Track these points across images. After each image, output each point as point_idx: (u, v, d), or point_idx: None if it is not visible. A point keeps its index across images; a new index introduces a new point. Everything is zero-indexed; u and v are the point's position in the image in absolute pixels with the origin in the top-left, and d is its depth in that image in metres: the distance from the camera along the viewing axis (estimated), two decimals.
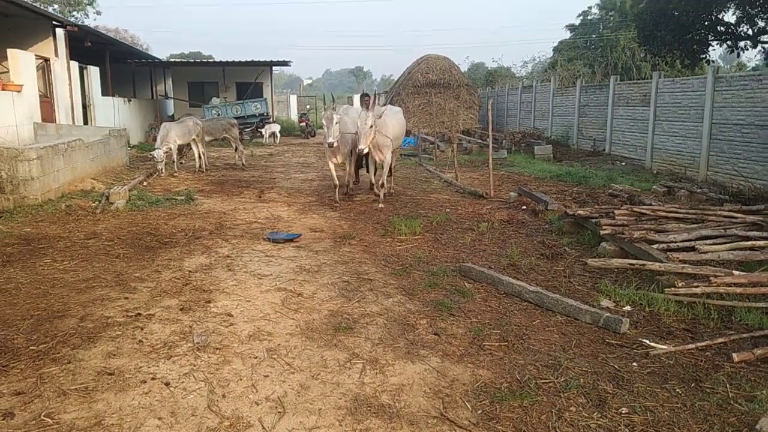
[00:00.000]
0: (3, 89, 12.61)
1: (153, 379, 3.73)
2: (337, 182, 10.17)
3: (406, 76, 29.73)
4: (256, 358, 4.11)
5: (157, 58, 28.77)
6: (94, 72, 19.18)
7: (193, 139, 13.81)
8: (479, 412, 3.43)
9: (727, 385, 3.71)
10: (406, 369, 3.98)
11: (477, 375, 3.90)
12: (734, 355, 4.10)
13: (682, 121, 13.78)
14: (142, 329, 4.52)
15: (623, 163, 15.83)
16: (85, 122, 18.25)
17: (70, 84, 16.86)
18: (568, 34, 39.71)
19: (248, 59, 27.86)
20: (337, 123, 9.33)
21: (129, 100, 22.97)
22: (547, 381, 3.79)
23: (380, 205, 9.76)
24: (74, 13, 38.75)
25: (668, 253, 5.95)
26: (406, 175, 14.03)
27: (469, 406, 3.50)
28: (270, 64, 28.15)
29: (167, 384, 3.68)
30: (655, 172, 14.20)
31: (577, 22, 39.04)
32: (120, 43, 23.08)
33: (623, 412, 3.43)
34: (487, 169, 11.63)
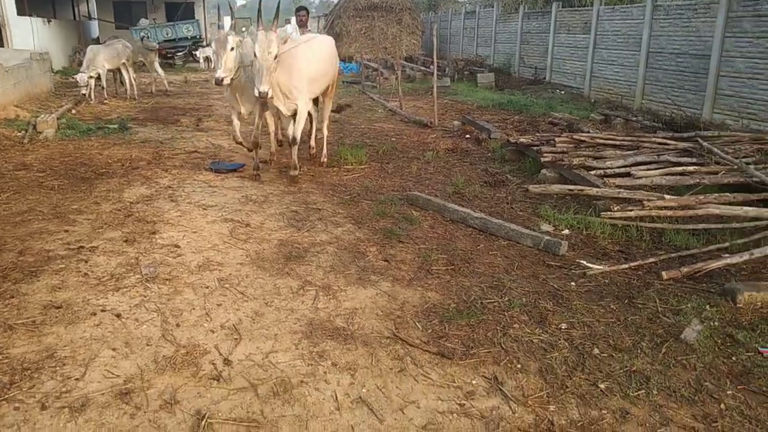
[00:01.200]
0: None
1: (103, 311, 3.69)
2: (240, 140, 7.09)
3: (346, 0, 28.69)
4: (207, 287, 4.10)
5: None
6: None
7: (123, 64, 13.04)
8: (429, 331, 3.59)
9: (657, 301, 4.01)
10: (358, 294, 4.08)
11: (426, 297, 4.05)
12: (663, 273, 4.38)
13: (620, 50, 14.03)
14: (86, 262, 4.41)
15: (563, 92, 16.09)
16: (0, 44, 16.88)
17: None
18: None
19: None
20: (234, 49, 6.06)
21: (49, 21, 21.28)
22: (492, 301, 3.98)
23: (291, 173, 6.80)
24: None
25: (605, 178, 6.21)
26: (349, 102, 13.83)
27: (419, 326, 3.65)
28: None
29: (118, 315, 3.64)
30: (593, 100, 14.52)
31: None
32: None
33: (563, 327, 3.67)
34: (431, 97, 11.62)
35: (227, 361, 3.21)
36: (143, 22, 24.85)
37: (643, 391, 3.03)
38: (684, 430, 2.74)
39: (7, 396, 2.83)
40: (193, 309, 3.79)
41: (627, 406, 2.91)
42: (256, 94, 5.91)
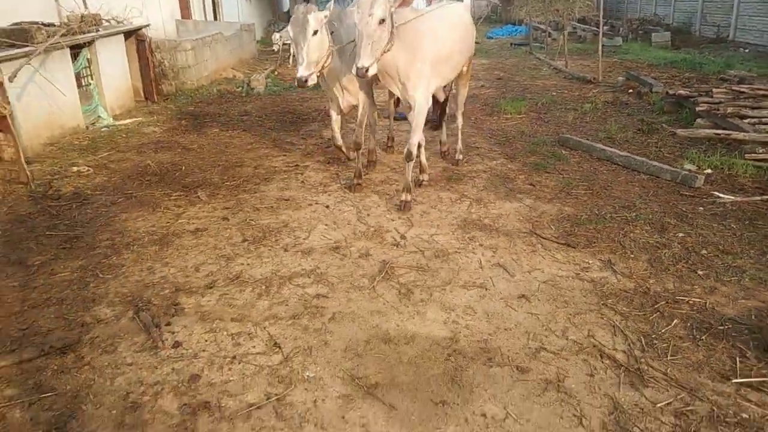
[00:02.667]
0: None
1: (316, 203, 5.10)
2: (340, 143, 5.70)
3: None
4: (387, 195, 5.35)
5: None
6: None
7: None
8: (560, 230, 4.48)
9: None
10: (504, 205, 5.05)
11: (562, 210, 4.90)
12: None
13: None
14: (301, 174, 5.90)
15: (747, 50, 15.09)
16: (214, 19, 19.84)
17: None
18: None
19: None
20: (318, 32, 4.49)
21: None
22: (621, 215, 4.72)
23: (403, 197, 4.99)
24: None
25: (757, 125, 6.41)
26: (514, 63, 14.43)
27: (552, 227, 4.55)
28: None
29: (327, 206, 5.03)
30: None
31: None
32: None
33: (679, 236, 4.33)
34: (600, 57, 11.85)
35: (403, 237, 4.42)
36: None
37: (735, 278, 3.67)
38: (764, 303, 3.38)
39: (262, 243, 4.30)
40: (378, 206, 5.05)
41: (717, 285, 3.60)
42: (354, 72, 4.23)
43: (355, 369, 2.90)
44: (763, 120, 6.61)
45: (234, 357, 3.02)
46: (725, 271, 3.77)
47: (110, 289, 3.73)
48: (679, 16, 20.07)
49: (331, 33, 4.78)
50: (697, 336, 3.08)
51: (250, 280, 3.80)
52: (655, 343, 3.03)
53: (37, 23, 7.12)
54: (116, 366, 2.97)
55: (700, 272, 3.76)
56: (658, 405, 2.59)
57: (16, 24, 7.08)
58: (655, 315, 3.29)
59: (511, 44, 18.72)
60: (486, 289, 3.65)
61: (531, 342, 3.09)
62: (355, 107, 5.41)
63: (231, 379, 2.86)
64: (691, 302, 3.41)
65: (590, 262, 3.96)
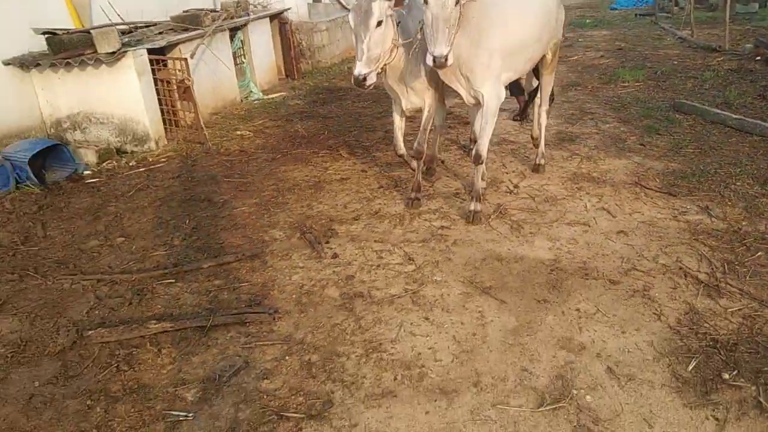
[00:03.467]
0: None
1: (440, 159, 5.86)
2: (403, 151, 4.91)
3: None
4: (503, 151, 5.99)
5: None
6: None
7: None
8: (664, 182, 4.91)
9: None
10: (613, 162, 5.52)
11: (669, 166, 5.29)
12: None
13: None
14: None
15: None
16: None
17: None
18: None
19: None
20: (383, 23, 3.75)
21: None
22: (725, 170, 5.04)
23: (472, 206, 4.47)
24: None
25: None
26: (637, 33, 14.22)
27: (657, 180, 4.98)
28: None
29: (443, 161, 5.78)
30: None
31: None
32: None
33: None
34: (731, 25, 11.51)
35: (516, 186, 5.07)
36: None
37: None
38: None
39: (395, 189, 5.14)
40: (494, 162, 5.71)
41: None
42: (429, 62, 3.61)
43: (473, 276, 3.66)
44: None
45: (378, 265, 3.88)
46: None
47: (280, 219, 4.75)
48: None
49: (398, 24, 3.97)
50: None
51: (387, 215, 4.66)
52: (737, 268, 3.49)
53: (203, 10, 8.43)
54: (292, 268, 3.95)
55: None
56: (730, 310, 3.10)
57: (187, 11, 8.44)
58: (741, 248, 3.73)
59: (636, 15, 18.21)
60: (589, 226, 4.24)
61: (624, 264, 3.67)
62: (420, 110, 4.60)
63: (377, 279, 3.72)
64: None
65: (688, 207, 4.40)
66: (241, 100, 9.09)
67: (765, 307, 3.10)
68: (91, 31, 6.30)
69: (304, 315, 3.39)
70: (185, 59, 6.74)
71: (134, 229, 4.78)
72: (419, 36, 3.90)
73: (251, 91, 9.47)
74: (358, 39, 3.74)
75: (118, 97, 6.59)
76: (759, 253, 3.64)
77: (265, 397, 2.75)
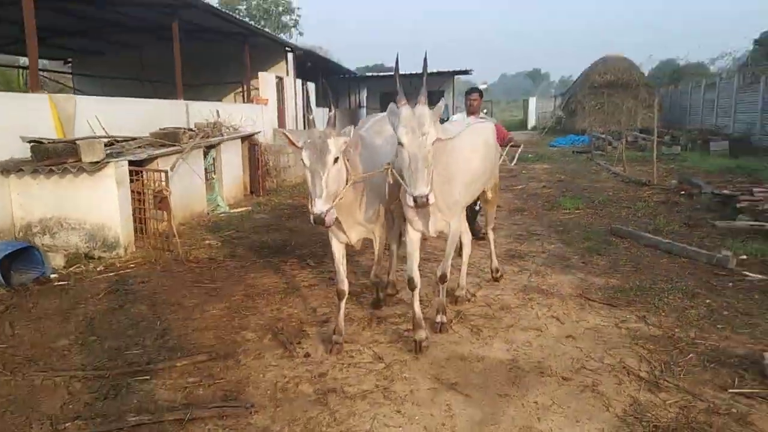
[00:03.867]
0: (257, 103, 16.63)
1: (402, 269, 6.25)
2: (344, 287, 4.55)
3: (584, 78, 30.65)
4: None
5: (355, 73, 32.89)
6: (311, 87, 23.30)
7: None
8: (606, 295, 5.42)
9: None
10: (559, 277, 6.04)
11: (609, 282, 5.84)
12: None
13: None
14: None
15: None
16: (304, 128, 22.37)
17: (295, 97, 20.96)
18: None
19: (434, 70, 30.76)
20: (339, 159, 3.70)
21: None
22: (658, 286, 5.61)
23: (438, 318, 4.71)
24: (281, 35, 45.21)
25: None
26: (575, 168, 15.62)
27: (599, 293, 5.49)
28: (453, 74, 30.81)
29: None
30: None
31: None
32: (330, 61, 27.28)
33: (706, 302, 5.18)
34: (657, 164, 12.89)
35: (473, 295, 5.47)
36: None
37: (749, 331, 4.49)
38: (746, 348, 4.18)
39: (362, 296, 5.45)
40: (452, 274, 6.14)
41: (732, 335, 4.43)
42: (410, 203, 3.56)
43: (439, 374, 3.93)
44: None
45: (350, 364, 4.11)
46: (741, 326, 4.59)
47: (251, 321, 4.95)
48: (739, 126, 20.93)
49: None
50: (707, 365, 3.93)
51: (355, 318, 4.94)
52: (673, 368, 3.90)
53: (181, 128, 9.01)
54: (265, 366, 4.12)
55: (719, 326, 4.60)
56: (668, 402, 3.46)
57: (164, 128, 8.99)
58: (675, 351, 4.16)
59: (573, 152, 19.99)
60: (541, 331, 4.62)
61: (574, 364, 4.03)
62: (365, 240, 4.62)
63: (349, 376, 3.94)
64: (707, 345, 4.26)
65: (628, 316, 4.87)
66: (208, 213, 9.44)
67: (698, 399, 3.47)
68: (78, 141, 6.69)
69: (280, 409, 3.55)
70: (165, 171, 7.14)
71: (105, 329, 4.88)
72: (384, 169, 3.88)
73: (218, 205, 9.87)
74: (315, 176, 3.55)
75: (93, 205, 6.86)
76: (690, 355, 4.08)
77: None
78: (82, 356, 4.37)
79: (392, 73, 30.47)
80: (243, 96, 18.87)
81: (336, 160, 3.60)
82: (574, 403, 3.50)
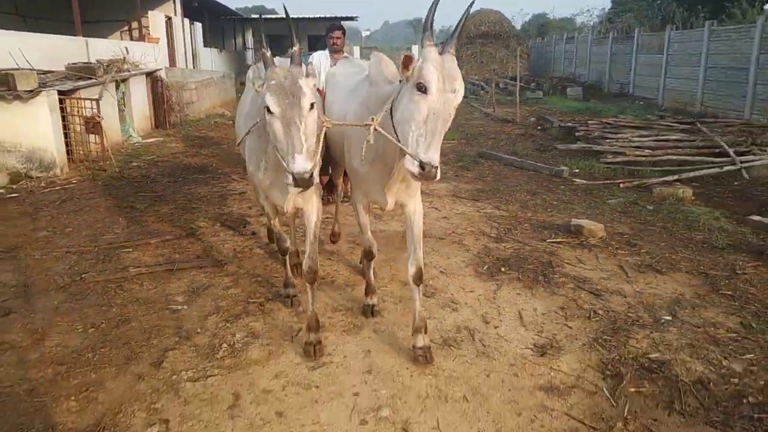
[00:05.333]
0: (148, 41, 16.78)
1: None
2: (287, 245, 4.10)
3: (463, 25, 32.64)
4: None
5: (240, 14, 32.67)
6: (198, 27, 23.27)
7: None
8: (471, 194, 7.18)
9: (605, 192, 7.31)
10: (438, 185, 7.72)
11: (475, 187, 7.63)
12: (620, 183, 7.64)
13: (686, 66, 16.61)
14: None
15: (642, 102, 18.74)
16: (193, 68, 22.48)
17: (184, 37, 21.01)
18: None
19: (319, 15, 31.40)
20: (313, 106, 2.83)
21: (221, 51, 27.14)
22: (510, 189, 7.47)
23: (373, 302, 4.05)
24: None
25: (612, 143, 9.43)
26: None
27: (467, 194, 7.24)
28: (340, 19, 31.56)
29: None
30: (663, 108, 17.13)
31: None
32: (216, 3, 27.06)
33: (543, 197, 7.09)
34: (522, 106, 15.02)
35: None
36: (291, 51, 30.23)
37: (567, 212, 6.42)
38: (580, 219, 6.11)
39: None
40: None
41: (556, 214, 6.33)
42: (415, 170, 2.70)
43: (354, 239, 5.44)
44: (618, 140, 9.63)
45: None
46: (564, 210, 6.52)
47: (200, 216, 6.17)
48: (592, 75, 23.98)
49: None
50: (536, 229, 5.77)
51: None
52: (512, 231, 5.70)
53: (96, 62, 9.58)
54: (222, 241, 5.42)
55: (548, 210, 6.51)
56: (506, 247, 5.23)
57: (75, 63, 9.51)
58: (516, 223, 5.98)
59: None
60: (425, 215, 6.27)
61: (447, 231, 5.71)
62: (299, 210, 3.62)
63: None
64: (538, 219, 6.13)
65: (486, 206, 6.66)
66: (123, 142, 10.17)
67: (526, 245, 5.27)
68: (11, 71, 7.28)
69: (243, 262, 4.91)
70: (97, 99, 7.90)
71: (75, 224, 5.89)
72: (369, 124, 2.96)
73: (131, 135, 10.58)
74: (291, 126, 2.71)
75: (29, 130, 7.52)
76: (525, 225, 5.91)
77: (233, 295, 4.24)
78: (65, 241, 5.40)
79: (278, 16, 30.23)
80: (130, 34, 18.80)
81: (312, 105, 2.82)
82: (447, 249, 5.18)
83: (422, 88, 2.69)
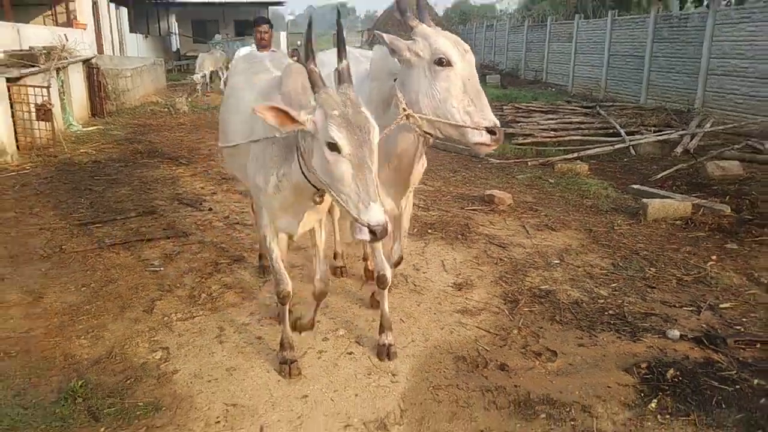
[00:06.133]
0: (76, 27, 16.65)
1: None
2: (289, 288, 3.27)
3: (386, 14, 33.63)
4: None
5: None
6: (124, 12, 22.99)
7: (220, 67, 18.02)
8: None
9: (515, 169, 8.42)
10: None
11: None
12: (528, 161, 8.77)
13: (592, 54, 18.21)
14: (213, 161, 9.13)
15: (554, 89, 20.30)
16: (120, 54, 22.23)
17: (110, 22, 20.77)
18: None
19: (247, 0, 31.39)
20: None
21: (146, 36, 26.80)
22: (437, 168, 8.44)
23: (389, 342, 3.55)
24: None
25: (521, 125, 10.61)
26: None
27: None
28: (266, 4, 31.72)
29: None
30: (573, 93, 18.70)
31: None
32: None
33: (463, 174, 8.10)
34: None
35: None
36: (218, 37, 30.19)
37: (482, 186, 7.46)
38: (488, 193, 7.15)
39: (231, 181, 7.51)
40: None
41: (472, 187, 7.35)
42: (485, 139, 2.58)
43: None
44: (528, 124, 10.82)
45: (244, 211, 6.22)
46: (479, 184, 7.55)
47: (157, 196, 6.77)
48: (509, 62, 25.49)
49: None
50: (456, 200, 6.76)
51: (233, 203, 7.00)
52: (437, 202, 6.66)
53: (37, 49, 9.78)
54: (183, 216, 6.07)
55: (466, 184, 7.52)
56: (432, 214, 6.17)
57: (16, 50, 9.70)
58: (440, 195, 6.95)
59: None
60: None
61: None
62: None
63: (245, 213, 6.07)
64: (458, 192, 7.12)
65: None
66: (64, 130, 10.42)
67: (447, 213, 6.24)
68: None
69: (206, 233, 5.61)
70: (47, 87, 8.23)
71: (41, 205, 6.36)
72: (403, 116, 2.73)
73: (71, 123, 10.82)
74: (363, 169, 2.28)
75: None
76: (447, 197, 6.89)
77: (203, 258, 4.96)
78: (35, 220, 5.90)
79: (203, 0, 29.83)
80: (54, 19, 18.48)
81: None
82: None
83: (443, 62, 2.59)
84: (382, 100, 2.94)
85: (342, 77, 2.47)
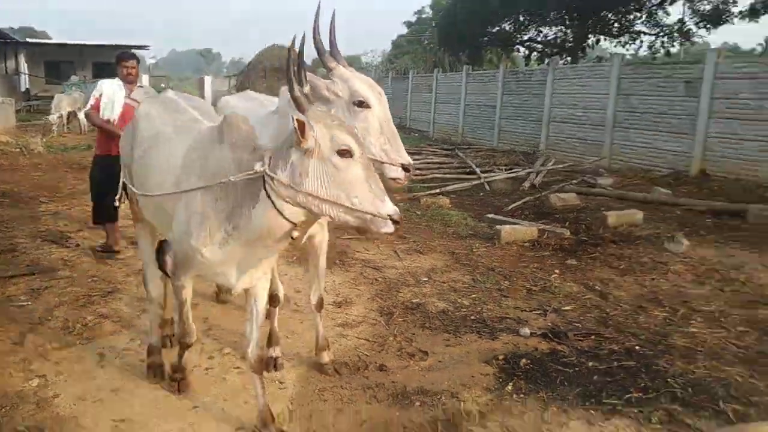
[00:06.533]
0: None
1: None
2: (194, 337, 3.22)
3: (256, 61, 34.01)
4: None
5: (13, 37, 30.11)
6: None
7: (78, 108, 17.17)
8: None
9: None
10: None
11: None
12: (396, 195, 9.36)
13: (450, 104, 19.77)
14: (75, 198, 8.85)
15: (417, 134, 21.64)
16: None
17: None
18: (405, 30, 44.72)
19: (108, 42, 30.29)
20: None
21: None
22: None
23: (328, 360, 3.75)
24: None
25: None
26: None
27: None
28: (129, 47, 30.69)
29: None
30: (434, 138, 20.07)
31: (414, 19, 44.06)
32: None
33: None
34: None
35: None
36: (74, 78, 28.63)
37: None
38: None
39: None
40: None
41: None
42: (394, 175, 2.80)
43: None
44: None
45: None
46: None
47: (16, 234, 6.40)
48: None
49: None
50: (336, 232, 7.07)
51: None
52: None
53: None
54: (49, 253, 5.82)
55: None
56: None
57: None
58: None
59: None
60: None
61: None
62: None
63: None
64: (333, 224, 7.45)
65: None
66: None
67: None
68: None
69: (74, 268, 5.42)
70: None
71: None
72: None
73: None
74: (369, 168, 2.39)
75: None
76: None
77: (74, 292, 4.81)
78: None
79: (55, 42, 28.51)
80: None
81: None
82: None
83: (363, 104, 2.76)
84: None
85: (307, 100, 2.44)
